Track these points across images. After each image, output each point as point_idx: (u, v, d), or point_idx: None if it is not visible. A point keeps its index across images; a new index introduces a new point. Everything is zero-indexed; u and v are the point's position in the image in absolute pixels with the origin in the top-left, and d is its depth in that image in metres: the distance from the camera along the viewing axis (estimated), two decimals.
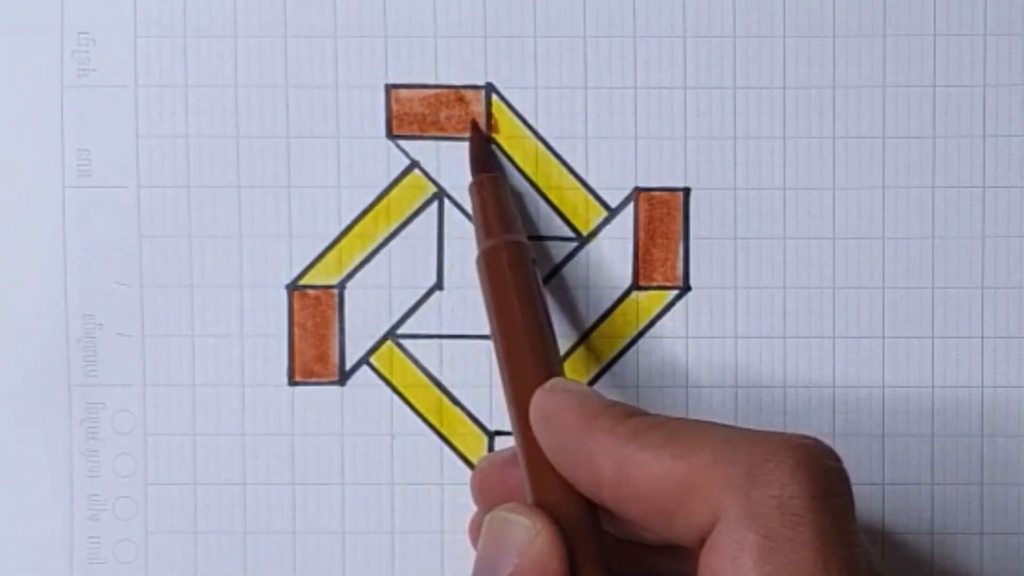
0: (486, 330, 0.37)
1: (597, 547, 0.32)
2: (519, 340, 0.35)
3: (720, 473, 0.29)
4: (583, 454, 0.31)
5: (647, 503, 0.30)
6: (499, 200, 0.38)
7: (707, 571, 0.29)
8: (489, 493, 0.36)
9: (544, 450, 0.32)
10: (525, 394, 0.33)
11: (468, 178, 0.39)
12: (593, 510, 0.32)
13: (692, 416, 0.39)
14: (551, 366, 0.34)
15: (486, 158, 0.39)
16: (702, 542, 0.29)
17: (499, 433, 0.40)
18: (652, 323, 0.40)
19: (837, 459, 0.30)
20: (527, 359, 0.34)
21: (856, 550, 0.28)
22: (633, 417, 0.31)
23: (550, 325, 0.35)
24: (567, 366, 0.40)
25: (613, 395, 0.39)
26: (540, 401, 0.33)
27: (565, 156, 0.40)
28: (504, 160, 0.40)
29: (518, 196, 0.40)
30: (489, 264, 0.36)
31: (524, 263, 0.36)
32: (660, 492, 0.30)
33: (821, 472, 0.29)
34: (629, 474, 0.30)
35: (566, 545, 0.31)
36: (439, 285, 0.40)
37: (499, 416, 0.40)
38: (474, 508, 0.37)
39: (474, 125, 0.39)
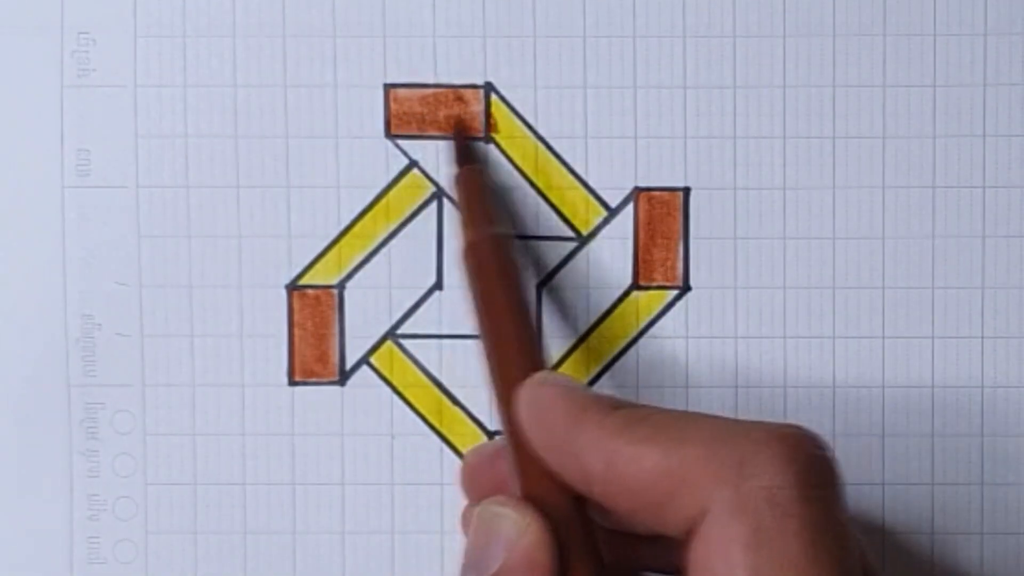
0: None
1: (586, 539, 0.31)
2: (505, 333, 0.34)
3: (709, 466, 0.29)
4: (571, 449, 0.31)
5: (636, 497, 0.30)
6: (482, 192, 0.38)
7: (696, 563, 0.28)
8: (478, 485, 0.35)
9: (532, 444, 0.32)
10: (512, 387, 0.33)
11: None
12: (582, 502, 0.32)
13: None
14: (537, 359, 0.34)
15: (468, 151, 0.39)
16: (691, 534, 0.29)
17: (499, 433, 0.39)
18: (652, 323, 0.40)
19: (824, 447, 0.29)
20: (513, 352, 0.34)
21: (846, 541, 0.28)
22: (620, 410, 0.31)
23: (535, 318, 0.35)
24: (567, 366, 0.40)
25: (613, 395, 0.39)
26: (527, 395, 0.33)
27: (565, 156, 0.40)
28: (503, 159, 0.40)
29: (506, 191, 0.39)
30: (474, 257, 0.36)
31: (508, 256, 0.36)
32: (649, 486, 0.29)
33: (808, 462, 0.29)
34: (618, 469, 0.30)
35: (555, 538, 0.31)
36: (439, 285, 0.40)
37: None
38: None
39: (457, 120, 0.39)
